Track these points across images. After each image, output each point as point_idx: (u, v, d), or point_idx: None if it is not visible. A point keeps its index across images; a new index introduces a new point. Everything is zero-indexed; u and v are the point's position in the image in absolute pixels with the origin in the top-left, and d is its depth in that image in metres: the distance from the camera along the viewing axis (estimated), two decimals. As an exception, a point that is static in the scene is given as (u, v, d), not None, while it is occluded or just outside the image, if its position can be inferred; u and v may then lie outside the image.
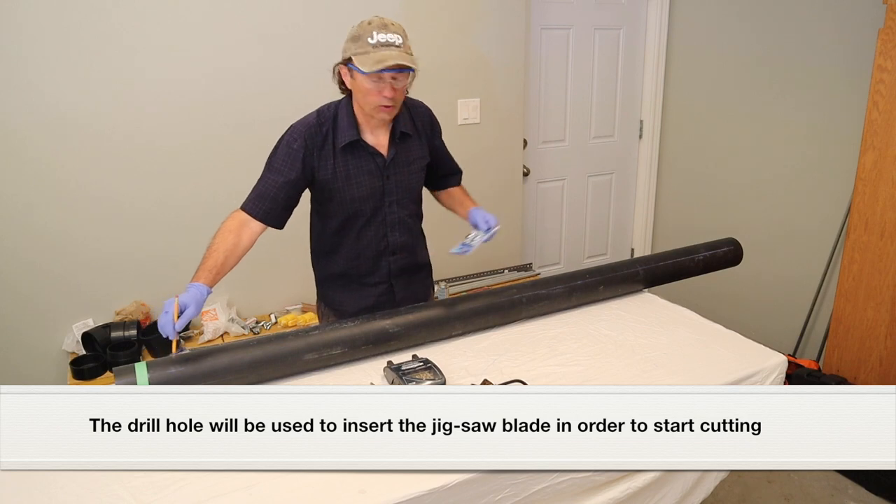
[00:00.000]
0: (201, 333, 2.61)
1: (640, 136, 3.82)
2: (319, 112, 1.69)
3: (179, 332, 1.40)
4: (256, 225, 1.64)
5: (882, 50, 2.41)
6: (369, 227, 1.75)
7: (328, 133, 1.66)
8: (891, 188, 2.44)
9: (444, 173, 1.92)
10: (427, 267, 1.97)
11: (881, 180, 2.47)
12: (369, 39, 1.52)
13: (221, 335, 2.61)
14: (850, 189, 2.68)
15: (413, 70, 1.57)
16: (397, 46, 1.53)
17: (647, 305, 1.95)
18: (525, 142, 3.39)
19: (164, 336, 1.40)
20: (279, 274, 2.78)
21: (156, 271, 2.62)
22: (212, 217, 2.64)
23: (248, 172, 2.65)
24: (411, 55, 1.57)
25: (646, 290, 2.05)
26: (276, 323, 2.75)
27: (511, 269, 3.35)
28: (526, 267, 3.40)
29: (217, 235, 1.61)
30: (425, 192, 1.92)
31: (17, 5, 2.20)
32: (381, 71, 1.51)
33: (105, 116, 2.40)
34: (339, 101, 1.69)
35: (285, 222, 1.70)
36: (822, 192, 2.94)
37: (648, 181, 3.85)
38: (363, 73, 1.53)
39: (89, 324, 2.54)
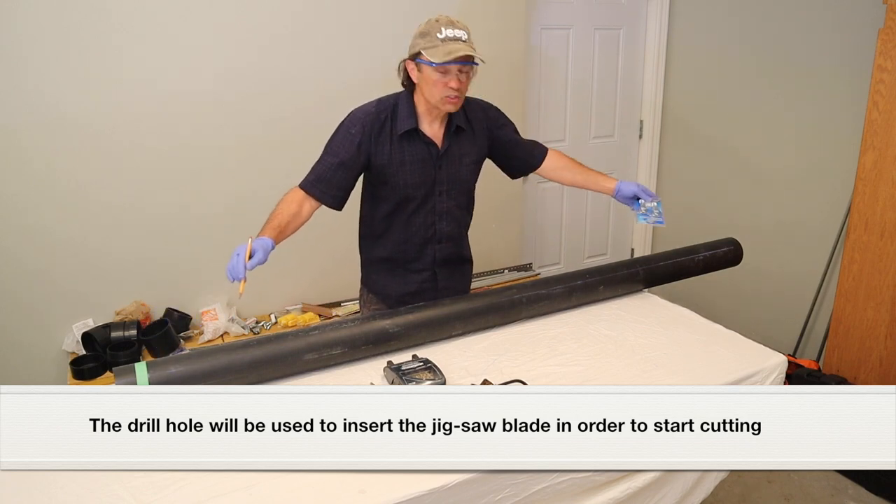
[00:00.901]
0: (201, 333, 2.61)
1: (640, 136, 3.82)
2: (379, 101, 1.77)
3: (240, 276, 1.47)
4: (315, 202, 1.73)
5: (882, 50, 2.41)
6: (419, 214, 1.81)
7: (386, 120, 1.73)
8: (891, 188, 2.44)
9: (526, 153, 1.97)
10: (469, 261, 2.03)
11: (881, 180, 2.47)
12: (438, 35, 1.61)
13: (221, 335, 2.61)
14: (850, 189, 2.68)
15: (477, 64, 1.65)
16: (464, 41, 1.61)
17: (647, 305, 1.95)
18: (525, 142, 3.39)
19: (232, 279, 1.47)
20: (279, 274, 2.78)
21: (156, 271, 2.63)
22: (212, 218, 2.66)
23: (249, 174, 2.67)
24: (475, 50, 1.64)
25: (646, 290, 2.05)
26: (276, 323, 2.75)
27: (511, 269, 3.35)
28: (526, 267, 3.40)
29: (280, 203, 1.69)
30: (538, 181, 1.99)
31: (18, 5, 2.20)
32: (450, 63, 1.60)
33: (104, 116, 2.40)
34: (399, 93, 1.77)
35: (342, 204, 1.77)
36: (822, 192, 2.94)
37: (648, 181, 3.85)
38: (433, 64, 1.60)
39: (89, 324, 2.54)
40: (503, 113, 1.93)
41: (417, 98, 1.73)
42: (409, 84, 1.74)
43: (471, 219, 1.97)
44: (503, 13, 3.04)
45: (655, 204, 1.86)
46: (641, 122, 3.79)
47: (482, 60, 1.64)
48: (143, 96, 2.44)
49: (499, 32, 3.06)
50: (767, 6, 3.06)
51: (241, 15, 2.54)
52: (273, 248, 1.57)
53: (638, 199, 1.88)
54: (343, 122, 1.75)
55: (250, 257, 1.49)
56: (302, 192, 1.72)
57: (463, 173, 1.84)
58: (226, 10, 2.51)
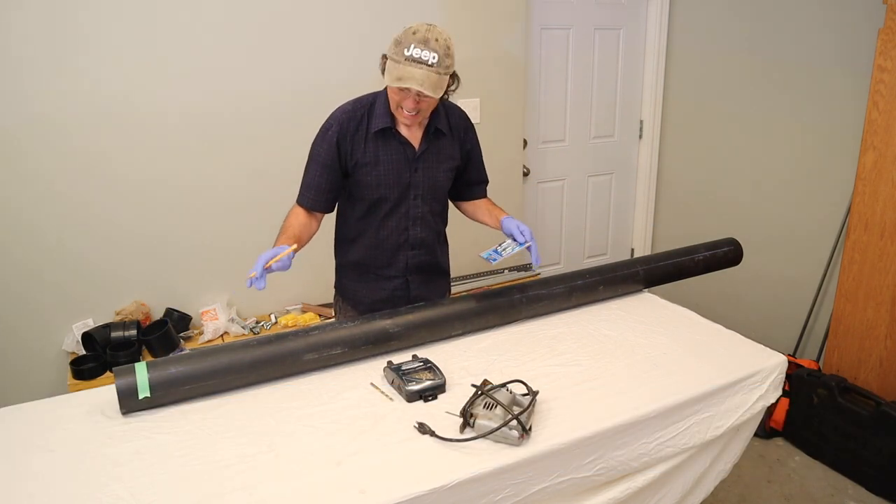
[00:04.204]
0: (201, 333, 2.61)
1: (640, 136, 3.82)
2: (357, 99, 1.75)
3: (262, 286, 1.48)
4: (318, 213, 1.77)
5: (882, 50, 2.41)
6: (392, 218, 1.78)
7: (363, 118, 1.71)
8: (891, 188, 2.44)
9: (472, 181, 1.93)
10: (446, 274, 1.99)
11: (881, 180, 2.47)
12: (405, 51, 1.52)
13: (221, 335, 2.61)
14: (850, 189, 2.68)
15: (430, 96, 1.56)
16: (430, 65, 1.52)
17: (647, 305, 1.95)
18: (525, 142, 3.39)
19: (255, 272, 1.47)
20: (279, 274, 2.77)
21: (156, 272, 2.63)
22: (212, 218, 2.66)
23: (248, 175, 2.67)
24: (445, 74, 1.56)
25: (646, 290, 2.05)
26: (276, 323, 2.75)
27: (511, 269, 3.35)
28: (526, 267, 3.40)
29: (287, 219, 1.73)
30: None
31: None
32: (394, 86, 1.56)
33: (98, 119, 2.40)
34: (379, 91, 1.74)
35: (333, 206, 1.80)
36: (822, 192, 2.94)
37: (648, 181, 3.85)
38: (385, 78, 1.58)
39: (89, 324, 2.54)
40: (476, 133, 1.90)
41: None
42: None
43: (445, 227, 1.94)
44: (503, 13, 3.04)
45: (509, 251, 1.73)
46: (641, 122, 3.79)
47: (433, 94, 1.54)
48: (137, 104, 2.44)
49: (499, 32, 3.06)
50: (767, 6, 3.06)
51: (247, 15, 2.53)
52: (294, 254, 1.58)
53: (512, 236, 1.76)
54: (322, 124, 1.74)
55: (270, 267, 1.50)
56: (298, 208, 1.75)
57: (440, 179, 1.81)
58: (233, 8, 2.51)
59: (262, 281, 1.48)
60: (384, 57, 1.62)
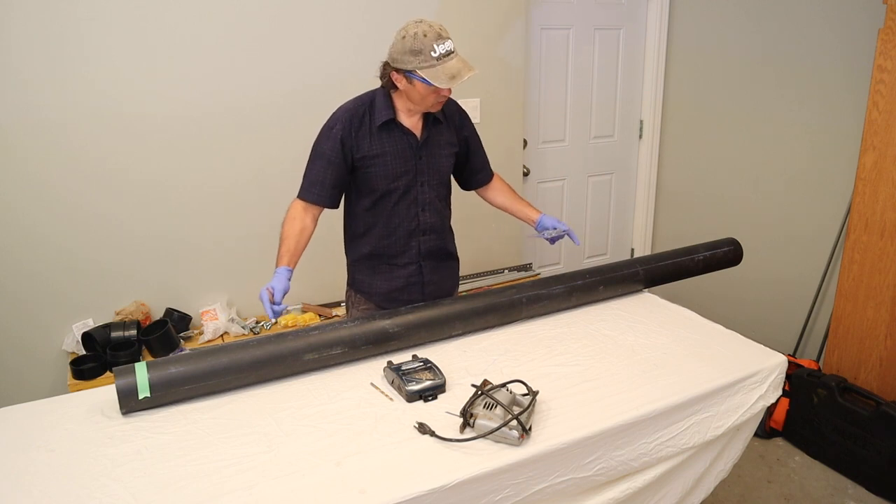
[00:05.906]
0: (201, 333, 2.61)
1: (640, 136, 3.82)
2: (357, 98, 1.81)
3: (279, 312, 1.61)
4: (315, 208, 1.80)
5: (882, 50, 2.41)
6: (401, 205, 1.83)
7: (365, 115, 1.77)
8: (891, 188, 2.44)
9: (478, 167, 2.01)
10: (455, 258, 2.04)
11: (881, 180, 2.47)
12: (432, 53, 1.60)
13: (221, 335, 2.61)
14: (850, 189, 2.68)
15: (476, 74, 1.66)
16: (455, 53, 1.62)
17: (647, 305, 1.95)
18: (525, 142, 3.39)
19: (272, 318, 1.61)
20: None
21: (155, 272, 2.62)
22: (211, 218, 2.66)
23: (245, 174, 2.67)
24: (468, 62, 1.65)
25: (646, 290, 2.05)
26: (276, 323, 2.75)
27: (511, 269, 3.35)
28: (526, 267, 3.40)
29: (285, 224, 1.77)
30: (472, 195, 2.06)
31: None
32: (455, 84, 1.63)
33: (96, 121, 2.39)
34: (376, 89, 1.79)
35: (338, 201, 1.84)
36: (822, 192, 2.94)
37: (648, 181, 3.85)
38: (434, 85, 1.61)
39: (89, 324, 2.54)
40: (471, 119, 1.98)
41: (397, 95, 1.76)
42: (389, 83, 1.74)
43: (450, 213, 1.99)
44: (503, 13, 3.04)
45: (558, 232, 1.93)
46: (641, 122, 3.79)
47: (475, 73, 1.64)
48: (136, 105, 2.44)
49: (499, 32, 3.06)
50: (767, 6, 3.06)
51: (247, 16, 2.53)
52: (291, 273, 1.68)
53: (553, 228, 1.95)
54: (325, 123, 1.79)
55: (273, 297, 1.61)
56: (301, 203, 1.78)
57: (443, 164, 1.87)
58: (233, 8, 2.51)
59: (279, 307, 1.62)
60: (386, 65, 1.69)
